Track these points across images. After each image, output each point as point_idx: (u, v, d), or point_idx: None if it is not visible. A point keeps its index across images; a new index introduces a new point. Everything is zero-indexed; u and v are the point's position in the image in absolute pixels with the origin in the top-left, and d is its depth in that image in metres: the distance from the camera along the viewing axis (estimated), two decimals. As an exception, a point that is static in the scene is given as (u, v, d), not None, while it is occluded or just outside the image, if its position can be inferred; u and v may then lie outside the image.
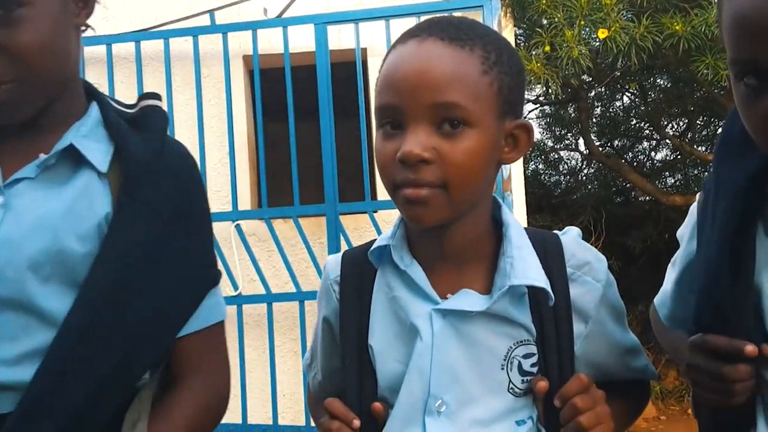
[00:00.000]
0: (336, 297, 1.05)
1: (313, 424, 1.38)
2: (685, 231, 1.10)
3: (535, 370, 0.96)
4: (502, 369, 0.95)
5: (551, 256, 0.99)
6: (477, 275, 0.98)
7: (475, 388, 0.95)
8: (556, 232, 1.05)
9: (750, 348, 0.88)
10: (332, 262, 1.09)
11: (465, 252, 0.98)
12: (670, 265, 1.17)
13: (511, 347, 0.95)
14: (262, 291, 3.36)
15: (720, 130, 0.99)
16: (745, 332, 0.91)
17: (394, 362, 0.98)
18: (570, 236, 1.04)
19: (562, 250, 1.00)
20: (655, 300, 1.21)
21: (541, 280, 0.94)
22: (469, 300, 0.95)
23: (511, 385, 0.96)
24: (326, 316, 1.08)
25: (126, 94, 3.52)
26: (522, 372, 0.96)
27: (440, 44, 0.91)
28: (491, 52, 0.92)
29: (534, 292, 0.95)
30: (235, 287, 3.39)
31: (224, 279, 3.38)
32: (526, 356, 0.96)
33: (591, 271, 1.01)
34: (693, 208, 1.08)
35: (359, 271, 1.04)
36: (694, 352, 0.97)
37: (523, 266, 0.94)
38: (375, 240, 1.03)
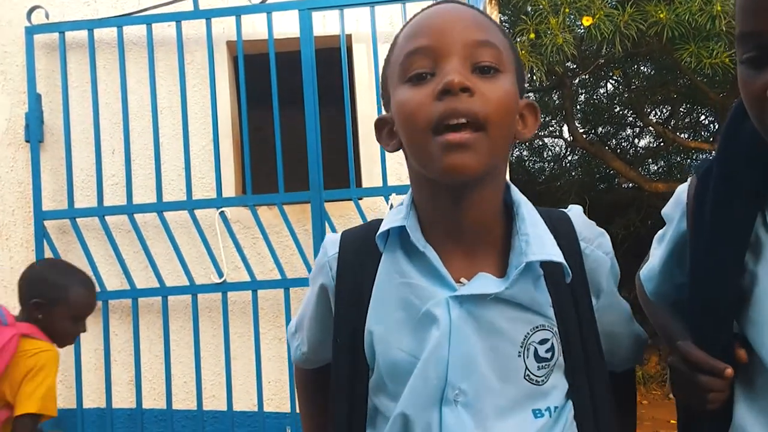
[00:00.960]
0: (332, 275, 1.03)
1: (298, 410, 1.38)
2: (674, 212, 1.11)
3: (549, 355, 0.94)
4: (519, 356, 0.93)
5: (562, 233, 0.98)
6: (490, 258, 0.96)
7: (492, 376, 0.93)
8: (561, 209, 1.06)
9: (729, 371, 0.93)
10: (331, 241, 1.07)
11: (479, 233, 0.96)
12: (656, 239, 1.18)
13: (528, 333, 0.94)
14: (246, 278, 3.36)
15: (724, 128, 1.03)
16: (730, 321, 0.95)
17: (397, 350, 0.96)
18: (576, 212, 1.05)
19: (572, 226, 1.01)
20: (640, 273, 1.22)
21: (559, 255, 0.92)
22: (486, 283, 0.93)
23: (527, 372, 0.94)
24: (323, 286, 1.06)
25: (108, 80, 3.50)
26: (538, 358, 0.94)
27: (465, 6, 0.95)
28: (505, 31, 0.97)
29: (550, 272, 0.94)
30: (220, 274, 3.38)
31: (209, 266, 3.38)
32: (542, 342, 0.94)
33: (601, 245, 1.02)
34: (681, 190, 1.10)
35: (360, 252, 1.02)
36: (677, 356, 1.00)
37: (540, 243, 0.93)
38: (377, 221, 1.01)
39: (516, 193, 1.00)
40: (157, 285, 3.38)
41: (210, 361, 3.44)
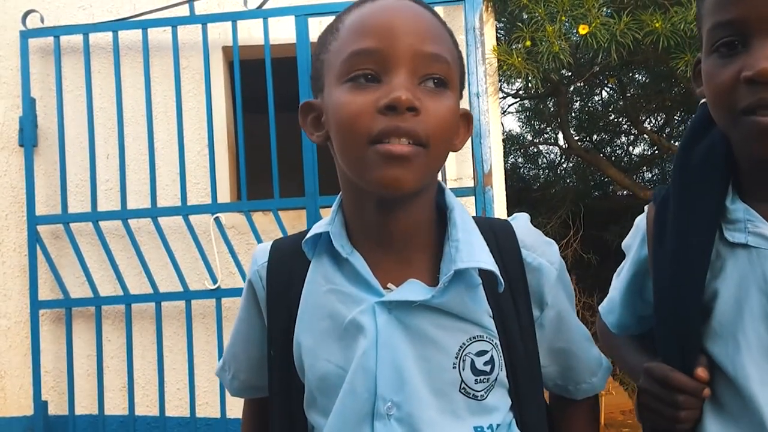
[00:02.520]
0: (263, 285, 0.99)
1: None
2: (633, 241, 1.14)
3: (488, 368, 0.89)
4: (454, 368, 0.88)
5: (503, 241, 0.95)
6: (422, 265, 0.92)
7: (425, 388, 0.87)
8: (505, 218, 1.03)
9: (707, 391, 0.95)
10: (261, 250, 1.03)
11: (409, 240, 0.92)
12: (615, 275, 1.21)
13: (463, 344, 0.89)
14: (241, 285, 3.32)
15: (680, 145, 1.07)
16: (697, 334, 0.97)
17: (324, 362, 0.91)
18: (520, 221, 1.01)
19: (514, 235, 0.96)
20: (600, 309, 1.24)
21: (488, 262, 0.88)
22: (414, 290, 0.88)
23: (463, 386, 0.88)
24: (255, 298, 1.02)
25: (103, 84, 3.49)
26: (475, 371, 0.89)
27: (418, 6, 0.90)
28: (451, 32, 0.94)
29: (489, 282, 0.90)
30: (214, 281, 3.37)
31: (203, 272, 3.37)
32: (480, 353, 0.89)
33: (544, 254, 0.97)
34: (639, 220, 1.13)
35: (290, 260, 0.98)
36: (649, 379, 1.00)
37: (470, 249, 0.88)
38: (309, 230, 0.96)
39: (450, 198, 0.96)
40: (151, 291, 3.36)
41: (203, 368, 3.42)
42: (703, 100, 0.97)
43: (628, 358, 1.17)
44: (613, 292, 1.20)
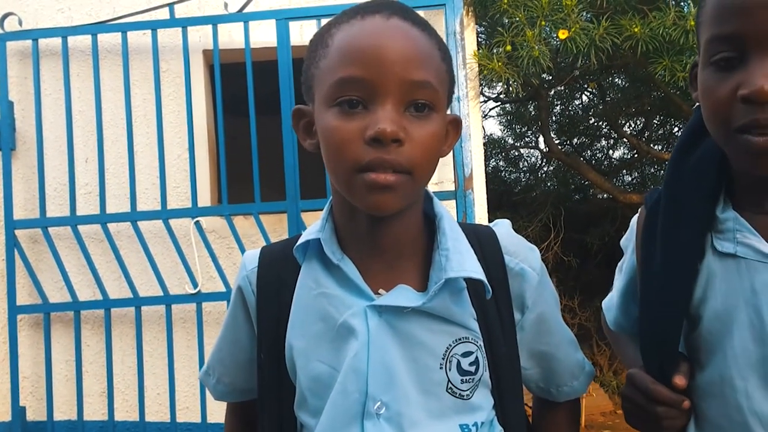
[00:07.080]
0: (252, 289, 1.01)
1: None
2: (629, 243, 1.13)
3: (473, 369, 0.93)
4: (441, 368, 0.91)
5: (487, 247, 0.98)
6: (410, 271, 0.95)
7: (413, 388, 0.91)
8: (487, 224, 1.05)
9: (687, 403, 0.95)
10: (250, 256, 1.05)
11: (398, 247, 0.95)
12: (617, 270, 1.20)
13: (449, 345, 0.92)
14: (222, 289, 3.33)
15: (675, 150, 1.05)
16: (677, 344, 0.98)
17: (316, 362, 0.93)
18: (503, 227, 1.03)
19: (497, 241, 0.99)
20: (603, 302, 1.24)
21: (478, 272, 0.91)
22: (405, 296, 0.92)
23: (449, 385, 0.92)
24: (244, 302, 1.03)
25: (82, 87, 3.46)
26: (461, 371, 0.92)
27: (406, 24, 0.89)
28: (440, 41, 0.94)
29: (473, 285, 0.93)
30: (195, 285, 3.35)
31: (183, 276, 3.35)
32: (465, 354, 0.93)
33: (526, 260, 1.00)
34: (634, 221, 1.11)
35: (279, 265, 1.00)
36: (631, 387, 1.00)
37: (459, 258, 0.92)
38: (299, 236, 0.99)
39: (438, 206, 0.99)
40: (131, 295, 3.34)
41: (184, 372, 3.41)
42: (697, 104, 0.96)
43: (625, 353, 1.18)
44: (613, 291, 1.20)
